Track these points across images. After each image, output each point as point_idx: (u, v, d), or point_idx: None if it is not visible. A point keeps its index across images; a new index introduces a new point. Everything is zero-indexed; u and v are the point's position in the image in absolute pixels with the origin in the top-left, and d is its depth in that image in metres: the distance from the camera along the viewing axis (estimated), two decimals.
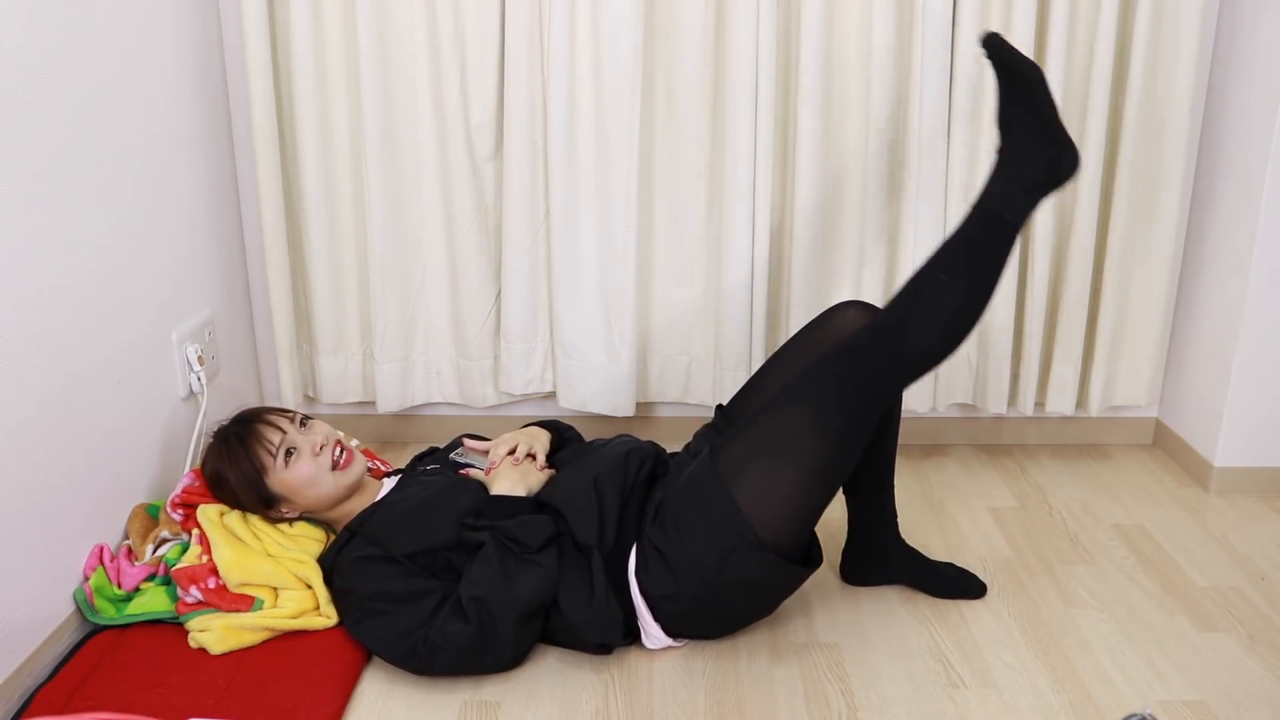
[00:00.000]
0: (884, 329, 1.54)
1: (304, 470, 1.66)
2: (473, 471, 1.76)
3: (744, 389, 1.80)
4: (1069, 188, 2.09)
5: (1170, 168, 2.12)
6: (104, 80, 1.72)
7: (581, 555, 1.58)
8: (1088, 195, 2.12)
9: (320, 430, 1.72)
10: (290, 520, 1.72)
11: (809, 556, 1.62)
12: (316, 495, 1.68)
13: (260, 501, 1.68)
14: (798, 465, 1.52)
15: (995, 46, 1.55)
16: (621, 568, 1.59)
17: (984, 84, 2.08)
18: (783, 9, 2.04)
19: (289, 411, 1.74)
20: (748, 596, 1.60)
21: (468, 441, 1.86)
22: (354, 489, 1.72)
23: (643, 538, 1.59)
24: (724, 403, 1.83)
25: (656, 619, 1.59)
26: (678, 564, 1.54)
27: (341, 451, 1.70)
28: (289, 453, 1.66)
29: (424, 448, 1.99)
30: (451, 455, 1.84)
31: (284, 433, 1.68)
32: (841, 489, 1.82)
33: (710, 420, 1.82)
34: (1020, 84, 1.54)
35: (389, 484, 1.76)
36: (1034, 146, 1.54)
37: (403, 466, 1.94)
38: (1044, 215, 2.13)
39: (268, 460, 1.66)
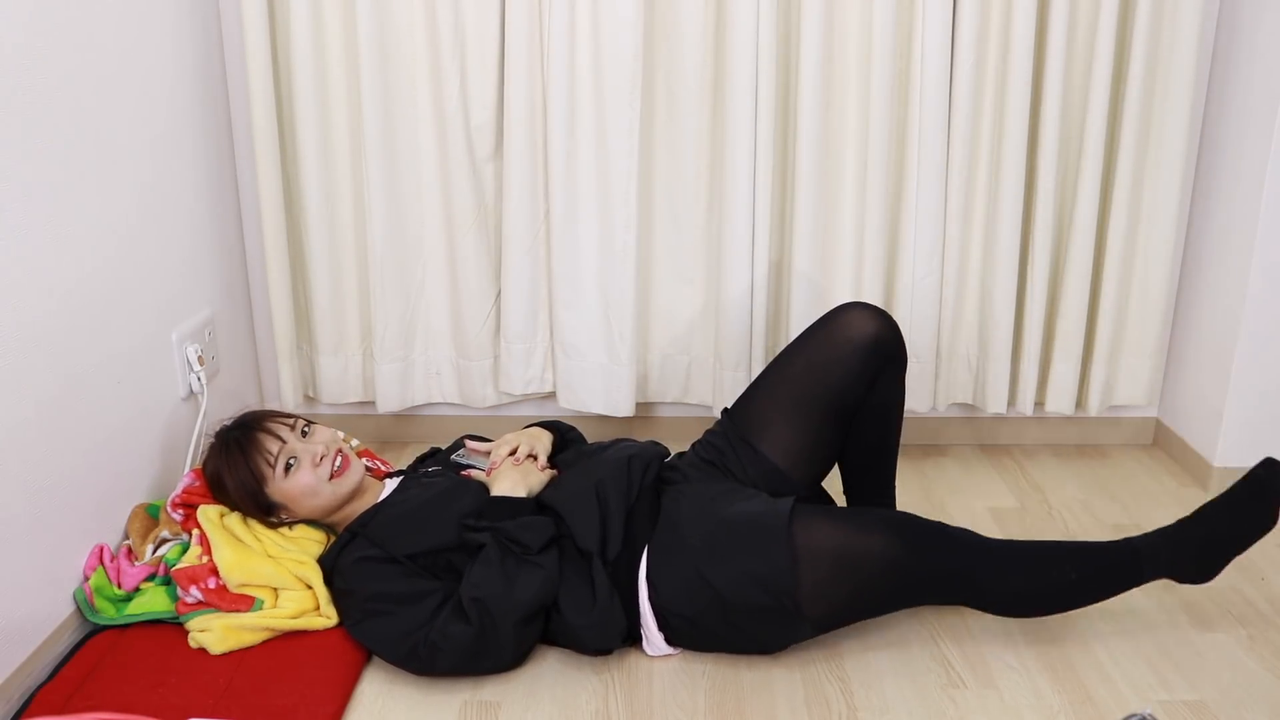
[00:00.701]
0: (989, 552, 1.56)
1: (303, 481, 1.65)
2: (474, 473, 1.75)
3: (747, 391, 1.79)
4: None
5: (1170, 167, 2.12)
6: (104, 81, 1.72)
7: (583, 558, 1.58)
8: (1087, 195, 2.12)
9: (321, 438, 1.71)
10: (290, 524, 1.72)
11: None
12: (315, 505, 1.68)
13: (258, 509, 1.68)
14: (859, 587, 1.54)
15: (1273, 475, 1.56)
16: (630, 573, 1.58)
17: (984, 84, 2.08)
18: (783, 9, 2.04)
19: (291, 417, 1.72)
20: (760, 641, 1.60)
21: (469, 443, 1.86)
22: (352, 496, 1.71)
23: (672, 547, 1.58)
24: (729, 406, 1.82)
25: (661, 628, 1.58)
26: (708, 592, 1.53)
27: (339, 459, 1.69)
28: (289, 464, 1.65)
29: (424, 448, 1.99)
30: (453, 457, 1.84)
31: (284, 442, 1.66)
32: (843, 490, 1.82)
33: (716, 424, 1.81)
34: (1248, 516, 1.57)
35: (390, 485, 1.76)
36: (1204, 551, 1.58)
37: (404, 467, 1.94)
38: (1044, 215, 2.13)
39: (267, 471, 1.65)
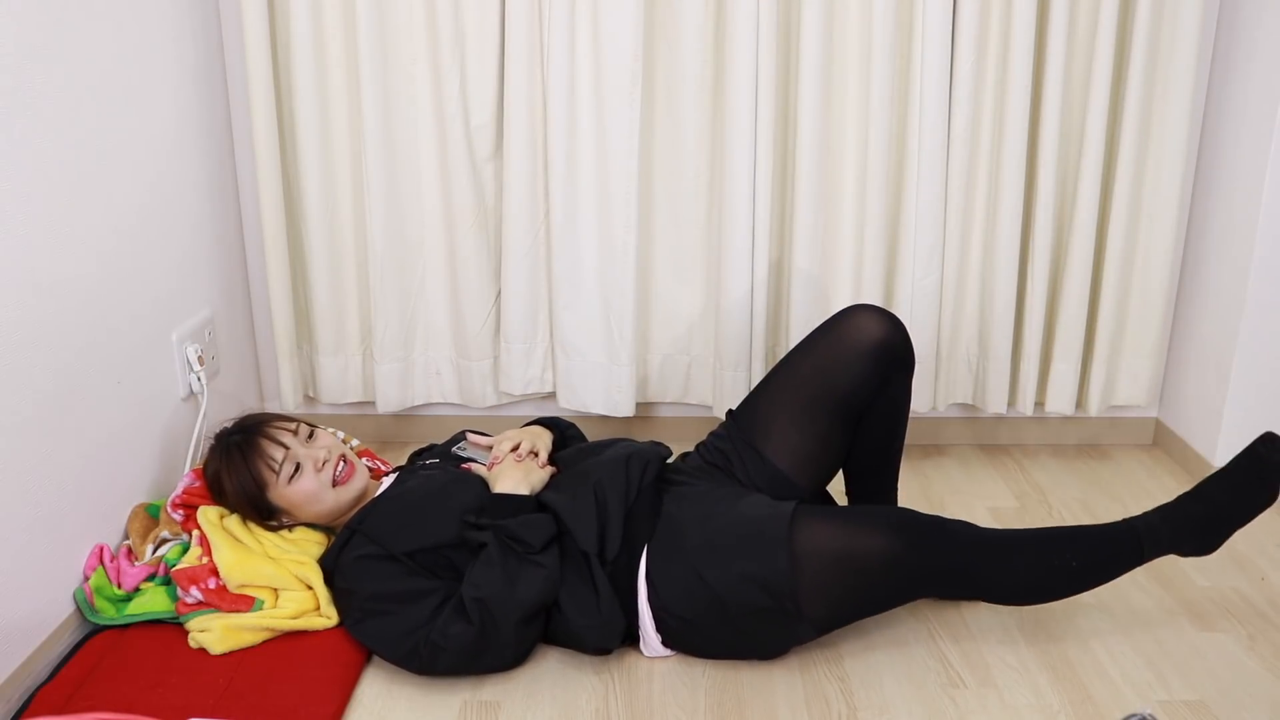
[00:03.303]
0: (986, 544, 1.56)
1: (306, 487, 1.65)
2: (475, 466, 1.75)
3: (752, 394, 1.79)
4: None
5: (1170, 167, 2.12)
6: (104, 80, 1.72)
7: (583, 557, 1.58)
8: (1087, 195, 2.12)
9: (324, 443, 1.70)
10: (289, 527, 1.71)
11: None
12: (317, 510, 1.68)
13: (258, 513, 1.68)
14: (857, 587, 1.54)
15: (1273, 450, 1.55)
16: (629, 574, 1.58)
17: (984, 85, 2.08)
18: (783, 9, 2.04)
19: (294, 422, 1.72)
20: (760, 644, 1.60)
21: (470, 436, 1.86)
22: (355, 503, 1.71)
23: (671, 549, 1.57)
24: (733, 409, 1.81)
25: (659, 629, 1.58)
26: (707, 594, 1.53)
27: (343, 465, 1.69)
28: (292, 471, 1.65)
29: (424, 446, 1.99)
30: (454, 449, 1.84)
31: (287, 448, 1.66)
32: (846, 491, 1.82)
33: (720, 426, 1.81)
34: (1248, 490, 1.56)
35: (388, 482, 1.76)
36: (1204, 529, 1.58)
37: (401, 465, 1.94)
38: (1044, 215, 2.13)
39: (269, 476, 1.65)
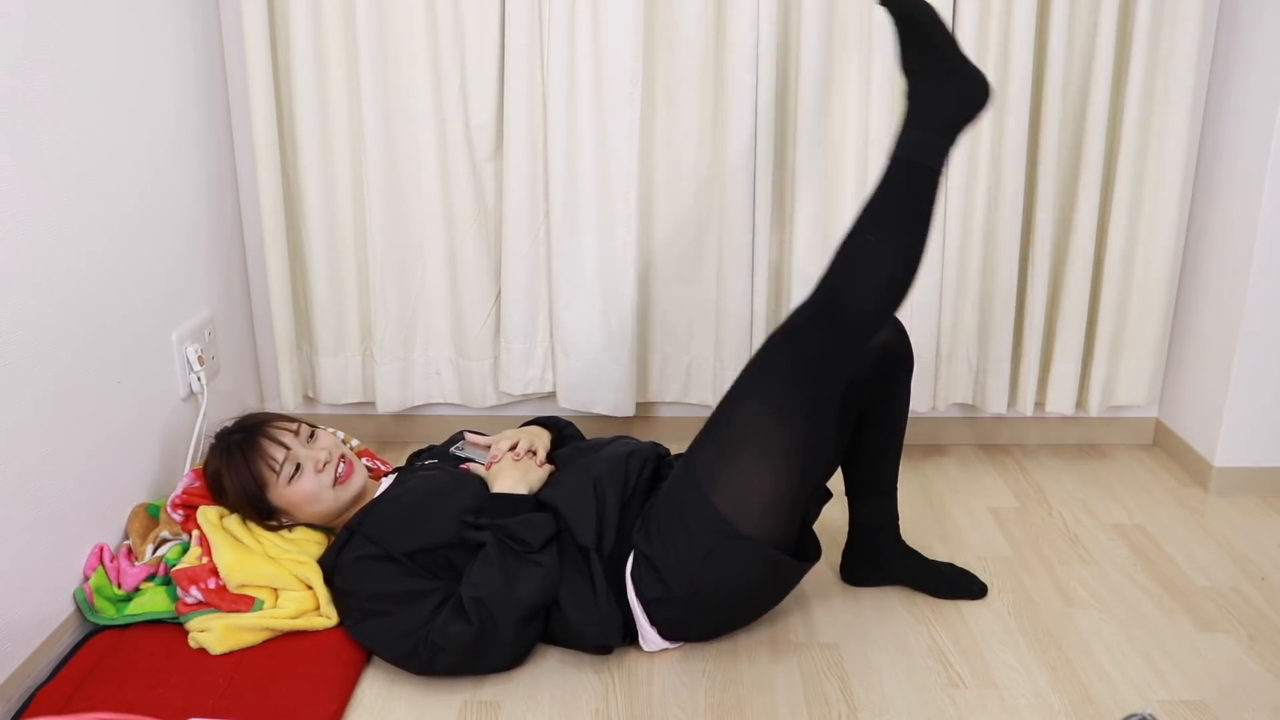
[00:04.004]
0: (821, 302, 1.51)
1: (306, 488, 1.65)
2: (473, 466, 1.76)
3: None
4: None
5: (1170, 168, 2.12)
6: (104, 81, 1.72)
7: (582, 555, 1.58)
8: (1088, 195, 2.12)
9: (324, 443, 1.70)
10: (289, 527, 1.71)
11: (804, 553, 1.62)
12: (317, 510, 1.68)
13: (258, 513, 1.68)
14: (768, 454, 1.51)
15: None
16: (620, 570, 1.59)
17: None
18: (783, 8, 2.04)
19: (294, 422, 1.72)
20: (739, 596, 1.60)
21: (469, 435, 1.86)
22: (354, 502, 1.71)
23: (640, 542, 1.59)
24: None
25: (653, 623, 1.59)
26: (665, 569, 1.54)
27: (342, 465, 1.69)
28: (293, 471, 1.65)
29: (423, 447, 1.99)
30: (452, 449, 1.84)
31: (288, 449, 1.66)
32: (845, 489, 1.82)
33: None
34: (914, 26, 1.51)
35: (387, 483, 1.76)
36: (941, 84, 1.50)
37: (400, 465, 1.94)
38: (1044, 215, 2.13)
39: (270, 476, 1.65)
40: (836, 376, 1.53)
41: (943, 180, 1.53)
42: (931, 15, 1.51)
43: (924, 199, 1.50)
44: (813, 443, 1.54)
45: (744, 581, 1.57)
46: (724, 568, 1.52)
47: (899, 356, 1.68)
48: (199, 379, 1.99)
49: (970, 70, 1.51)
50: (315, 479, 1.65)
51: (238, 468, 1.66)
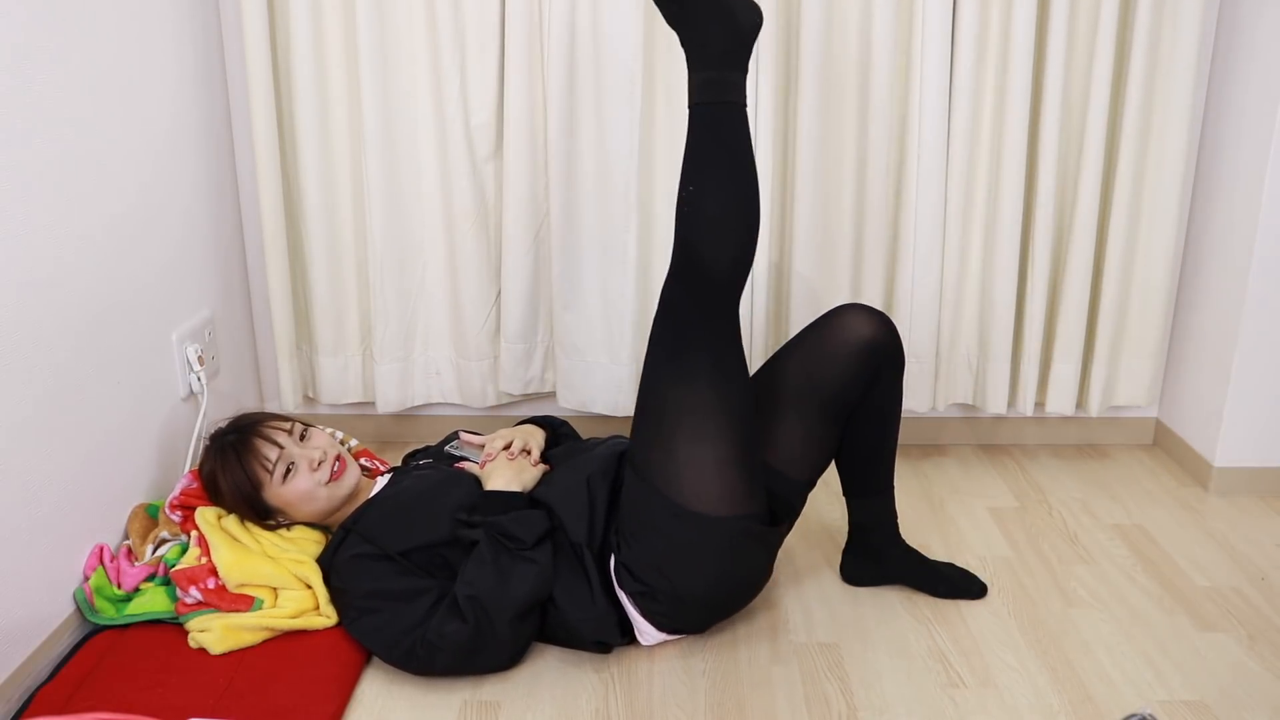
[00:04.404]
0: (678, 265, 1.51)
1: (301, 486, 1.65)
2: (468, 465, 1.76)
3: None
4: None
5: (1170, 168, 2.12)
6: (104, 80, 1.72)
7: (575, 551, 1.59)
8: (1088, 195, 2.12)
9: (318, 442, 1.70)
10: (287, 526, 1.71)
11: (772, 519, 1.61)
12: (313, 509, 1.68)
13: (254, 513, 1.68)
14: (692, 425, 1.52)
15: None
16: (606, 566, 1.60)
17: (984, 85, 2.08)
18: (783, 8, 2.04)
19: (287, 421, 1.72)
20: (719, 577, 1.59)
21: (464, 435, 1.86)
22: (349, 501, 1.71)
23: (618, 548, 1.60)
24: None
25: (645, 616, 1.59)
26: (640, 570, 1.55)
27: (336, 463, 1.69)
28: (286, 470, 1.65)
29: (419, 447, 1.99)
30: (447, 448, 1.84)
31: (281, 448, 1.66)
32: (842, 490, 1.82)
33: None
34: None
35: (382, 482, 1.76)
36: (707, 19, 1.49)
37: (397, 465, 1.94)
38: (1044, 215, 2.13)
39: (264, 476, 1.65)
40: (719, 327, 1.52)
41: (749, 111, 1.51)
42: None
43: (736, 134, 1.49)
44: (730, 398, 1.53)
45: (720, 560, 1.56)
46: (695, 551, 1.53)
47: (889, 355, 1.68)
48: (199, 379, 1.99)
49: None
50: (310, 478, 1.65)
51: (232, 468, 1.66)
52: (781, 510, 1.65)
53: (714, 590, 1.60)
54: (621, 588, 1.58)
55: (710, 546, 1.53)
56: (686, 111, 1.53)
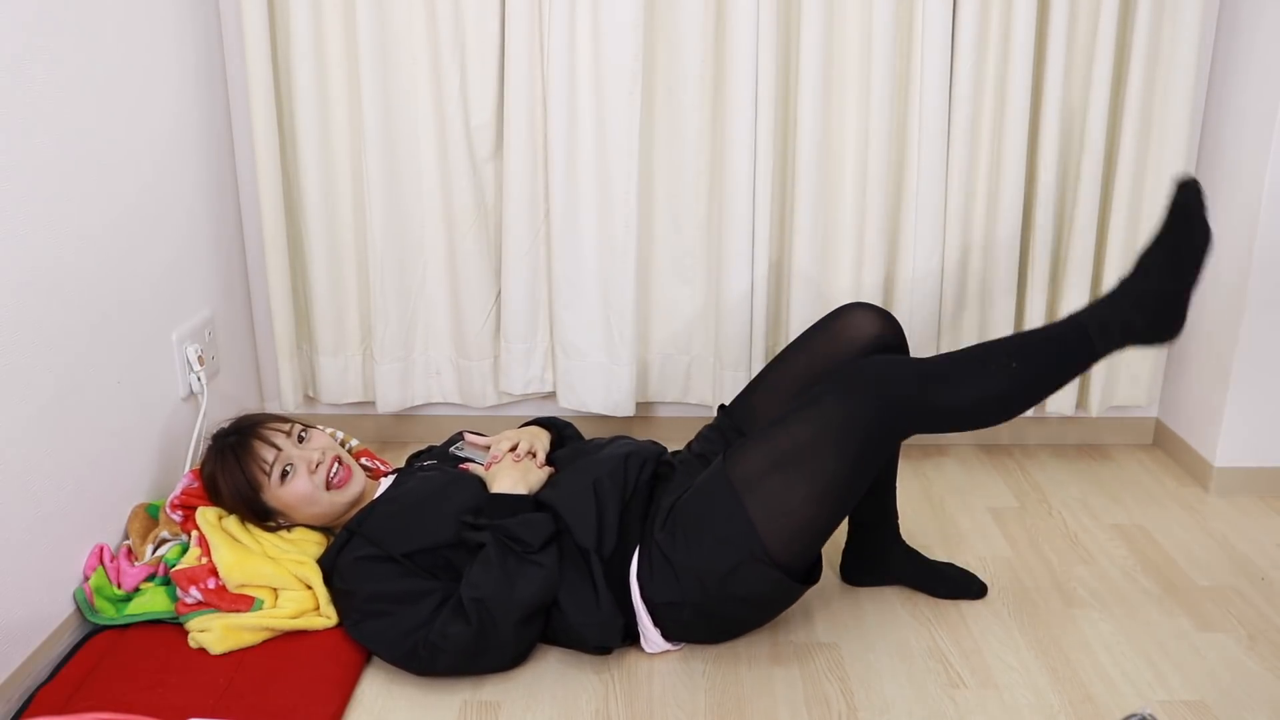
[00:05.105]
0: (930, 373, 1.51)
1: (300, 489, 1.65)
2: (472, 466, 1.75)
3: (747, 389, 1.79)
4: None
5: (1170, 167, 2.12)
6: (104, 80, 1.72)
7: (582, 556, 1.58)
8: (1088, 195, 2.12)
9: (318, 444, 1.70)
10: (288, 528, 1.71)
11: (810, 574, 1.61)
12: (313, 512, 1.68)
13: (254, 515, 1.68)
14: (813, 482, 1.49)
15: (1191, 192, 1.48)
16: (623, 571, 1.58)
17: (984, 84, 2.08)
18: (783, 9, 2.04)
19: (287, 423, 1.71)
20: (748, 610, 1.60)
21: (469, 436, 1.86)
22: (353, 504, 1.71)
23: (648, 542, 1.58)
24: (726, 403, 1.82)
25: (656, 624, 1.58)
26: (684, 572, 1.53)
27: (338, 469, 1.68)
28: (284, 472, 1.65)
29: (422, 448, 1.99)
30: (451, 449, 1.84)
31: (279, 449, 1.65)
32: None
33: (713, 420, 1.81)
34: (1185, 242, 1.49)
35: (386, 484, 1.76)
36: (1156, 302, 1.51)
37: (400, 466, 1.94)
38: (1044, 215, 2.13)
39: (262, 478, 1.65)
40: (898, 437, 1.56)
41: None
42: (1206, 247, 1.49)
43: (1072, 369, 1.55)
44: (857, 484, 1.53)
45: (756, 599, 1.57)
46: (741, 584, 1.52)
47: (895, 351, 1.68)
48: (199, 379, 1.99)
49: (1181, 311, 1.51)
50: (309, 480, 1.65)
51: (231, 470, 1.65)
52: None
53: (734, 618, 1.61)
54: (645, 594, 1.56)
55: (757, 585, 1.53)
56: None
